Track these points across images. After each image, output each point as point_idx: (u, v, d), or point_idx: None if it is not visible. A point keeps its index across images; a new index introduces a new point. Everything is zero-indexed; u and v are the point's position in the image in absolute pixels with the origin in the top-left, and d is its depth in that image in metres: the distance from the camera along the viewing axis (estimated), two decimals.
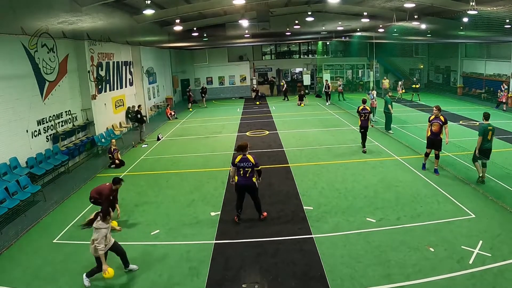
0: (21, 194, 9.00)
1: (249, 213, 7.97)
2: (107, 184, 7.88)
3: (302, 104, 24.88)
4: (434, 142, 10.09)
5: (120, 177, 8.07)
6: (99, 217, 5.76)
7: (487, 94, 23.97)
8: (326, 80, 25.88)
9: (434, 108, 10.16)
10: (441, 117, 9.98)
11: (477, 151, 9.35)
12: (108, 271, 5.67)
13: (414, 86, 25.04)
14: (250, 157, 7.46)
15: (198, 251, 6.74)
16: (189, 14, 18.66)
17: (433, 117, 10.08)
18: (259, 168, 7.61)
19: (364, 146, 12.86)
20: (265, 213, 7.94)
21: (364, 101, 13.17)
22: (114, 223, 7.14)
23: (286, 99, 28.04)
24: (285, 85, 28.67)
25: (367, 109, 12.48)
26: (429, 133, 10.14)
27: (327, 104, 24.75)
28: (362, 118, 12.49)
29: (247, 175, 7.48)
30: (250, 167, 7.43)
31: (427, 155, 10.45)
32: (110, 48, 16.66)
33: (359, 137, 14.78)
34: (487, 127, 9.28)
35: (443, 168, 10.66)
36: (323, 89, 25.84)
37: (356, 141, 14.22)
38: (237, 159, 7.49)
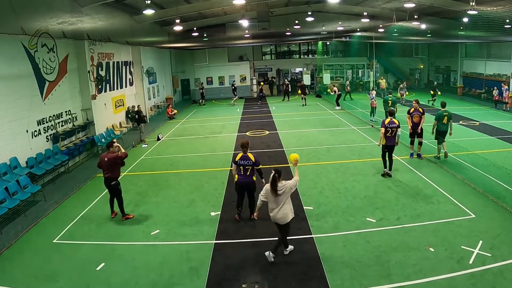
0: (21, 194, 9.00)
1: (249, 212, 7.97)
2: (106, 159, 7.98)
3: (301, 94, 24.79)
4: (416, 131, 11.43)
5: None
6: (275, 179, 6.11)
7: (487, 94, 23.95)
8: (334, 85, 23.98)
9: (414, 102, 11.63)
10: (420, 109, 11.32)
11: (433, 132, 11.29)
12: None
13: (432, 92, 24.36)
14: (250, 155, 7.52)
15: (198, 251, 6.74)
16: (189, 14, 18.70)
17: (413, 109, 11.41)
18: (259, 167, 7.66)
19: (390, 168, 10.17)
20: (255, 214, 7.80)
21: (391, 113, 10.39)
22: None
23: (287, 99, 27.98)
24: (285, 86, 28.50)
25: (395, 123, 9.90)
26: (411, 124, 11.46)
27: (335, 108, 22.88)
28: (388, 135, 9.87)
29: (247, 173, 7.53)
30: (250, 165, 7.48)
31: (412, 143, 11.65)
32: (110, 48, 16.66)
33: (359, 137, 14.81)
34: (442, 113, 11.11)
35: (442, 168, 10.68)
36: (335, 98, 23.29)
37: (356, 141, 14.22)
38: (238, 157, 7.54)
